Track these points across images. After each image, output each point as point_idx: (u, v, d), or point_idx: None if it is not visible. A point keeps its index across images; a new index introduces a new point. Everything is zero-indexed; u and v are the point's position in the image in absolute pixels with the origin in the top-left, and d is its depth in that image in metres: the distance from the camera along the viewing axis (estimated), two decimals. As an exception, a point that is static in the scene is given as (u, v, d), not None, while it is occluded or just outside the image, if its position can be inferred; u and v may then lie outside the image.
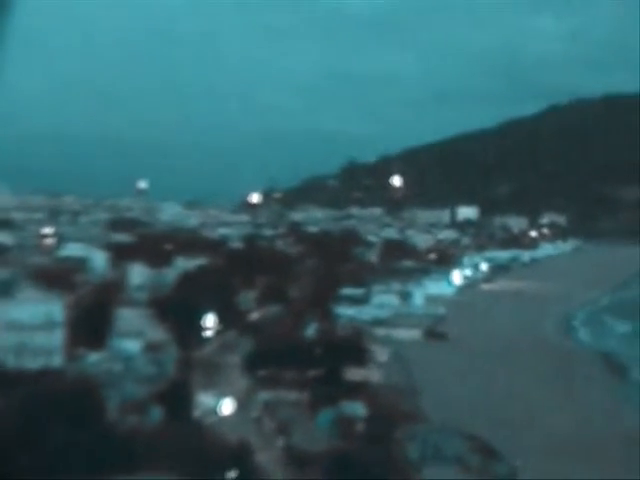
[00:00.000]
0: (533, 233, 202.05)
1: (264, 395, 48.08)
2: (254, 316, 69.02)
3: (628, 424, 49.19)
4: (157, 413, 40.41)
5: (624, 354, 74.63)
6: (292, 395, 48.04)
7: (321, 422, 43.26)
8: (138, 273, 71.26)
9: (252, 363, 53.48)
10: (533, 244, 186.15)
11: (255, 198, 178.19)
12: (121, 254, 79.86)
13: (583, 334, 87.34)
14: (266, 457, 36.74)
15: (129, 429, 35.28)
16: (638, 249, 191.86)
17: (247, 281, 74.85)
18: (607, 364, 69.29)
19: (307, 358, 53.38)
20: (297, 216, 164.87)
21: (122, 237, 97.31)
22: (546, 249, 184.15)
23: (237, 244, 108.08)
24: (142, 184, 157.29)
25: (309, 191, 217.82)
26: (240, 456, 33.70)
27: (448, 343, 74.22)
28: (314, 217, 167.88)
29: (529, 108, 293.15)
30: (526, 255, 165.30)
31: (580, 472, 39.34)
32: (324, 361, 52.96)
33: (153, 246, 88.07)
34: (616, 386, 61.26)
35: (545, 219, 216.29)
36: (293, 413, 44.67)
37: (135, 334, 51.87)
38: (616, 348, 78.35)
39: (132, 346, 50.25)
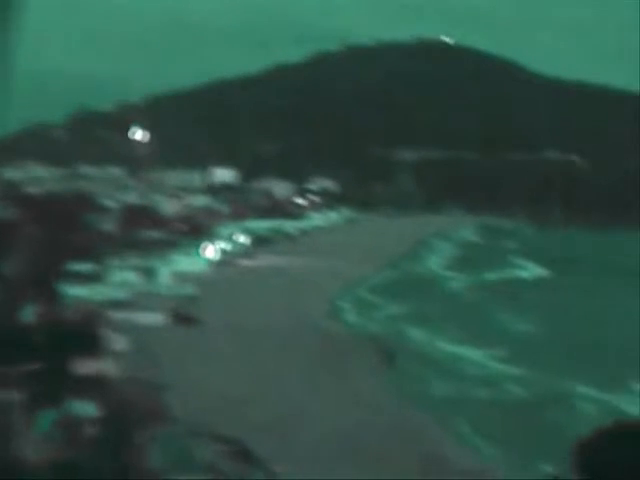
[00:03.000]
0: (300, 200, 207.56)
1: (-32, 395, 46.10)
2: (-45, 297, 65.86)
3: (394, 419, 52.12)
4: None
5: (392, 338, 78.85)
6: (3, 394, 46.47)
7: (42, 425, 42.08)
8: None
9: (-48, 355, 51.09)
10: (300, 213, 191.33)
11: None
12: None
13: (352, 317, 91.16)
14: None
15: None
16: (414, 220, 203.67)
17: (-54, 253, 71.47)
18: (375, 349, 72.77)
19: (24, 348, 51.80)
20: (12, 174, 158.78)
21: None
22: (315, 219, 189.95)
23: None
24: None
25: (29, 143, 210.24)
26: None
27: (201, 329, 74.65)
28: (35, 176, 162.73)
29: (297, 54, 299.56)
30: (292, 226, 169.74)
31: (349, 476, 41.03)
32: (46, 352, 51.66)
33: None
34: (383, 374, 64.42)
35: (314, 184, 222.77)
36: (5, 416, 43.16)
37: None
38: (385, 332, 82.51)
39: None
